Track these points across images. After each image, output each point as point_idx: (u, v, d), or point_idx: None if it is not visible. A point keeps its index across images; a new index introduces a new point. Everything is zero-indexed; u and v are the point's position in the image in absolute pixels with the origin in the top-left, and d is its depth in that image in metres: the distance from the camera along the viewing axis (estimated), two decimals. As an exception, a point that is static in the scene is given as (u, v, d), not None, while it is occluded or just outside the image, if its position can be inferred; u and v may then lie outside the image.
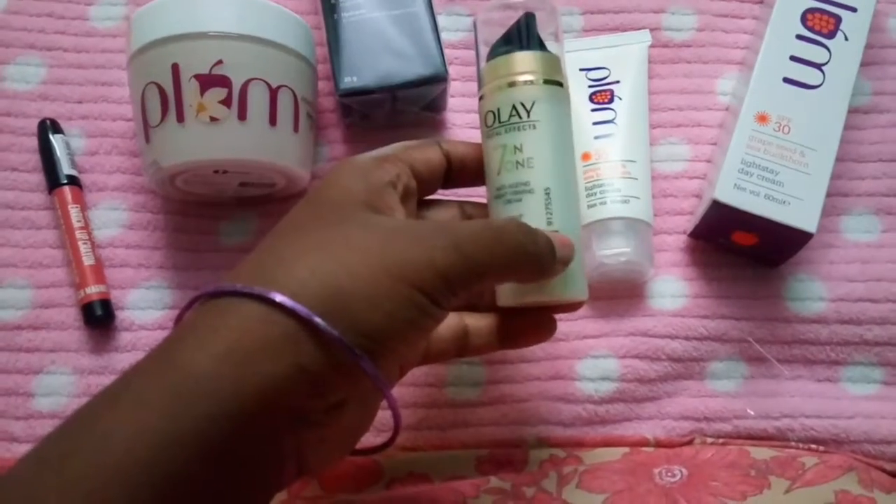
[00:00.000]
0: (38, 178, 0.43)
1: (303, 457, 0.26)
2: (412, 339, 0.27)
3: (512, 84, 0.33)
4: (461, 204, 0.36)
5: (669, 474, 0.34)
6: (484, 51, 0.35)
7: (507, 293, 0.33)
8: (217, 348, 0.24)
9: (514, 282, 0.32)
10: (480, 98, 0.34)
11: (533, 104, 0.32)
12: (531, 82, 0.32)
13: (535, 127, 0.32)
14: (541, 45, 0.34)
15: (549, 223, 0.32)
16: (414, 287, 0.26)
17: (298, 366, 0.24)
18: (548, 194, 0.32)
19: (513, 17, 0.34)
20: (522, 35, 0.33)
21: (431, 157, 0.33)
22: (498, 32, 0.34)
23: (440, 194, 0.35)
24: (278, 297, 0.24)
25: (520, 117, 0.32)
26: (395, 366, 0.30)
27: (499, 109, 0.33)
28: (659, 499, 0.32)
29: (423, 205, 0.35)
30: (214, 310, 0.25)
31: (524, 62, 0.33)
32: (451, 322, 0.34)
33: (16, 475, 0.23)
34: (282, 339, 0.24)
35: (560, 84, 0.33)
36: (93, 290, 0.40)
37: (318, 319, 0.24)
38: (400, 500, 0.32)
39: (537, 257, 0.29)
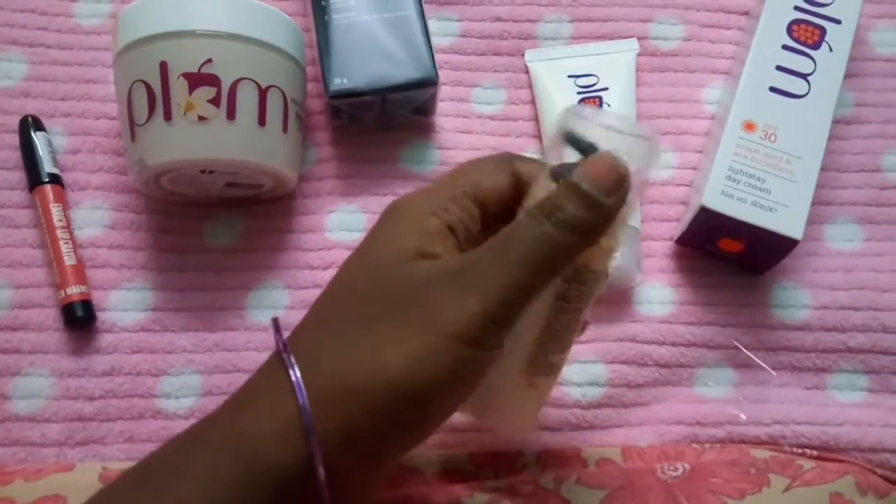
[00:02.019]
0: (18, 175, 0.42)
1: None
2: (459, 391, 0.26)
3: None
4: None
5: (672, 468, 0.34)
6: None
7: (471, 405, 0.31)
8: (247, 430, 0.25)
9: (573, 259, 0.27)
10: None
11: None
12: None
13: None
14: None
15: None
16: (454, 340, 0.25)
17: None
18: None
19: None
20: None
21: (501, 184, 0.29)
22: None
23: None
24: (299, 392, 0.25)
25: None
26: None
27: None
28: (660, 495, 0.32)
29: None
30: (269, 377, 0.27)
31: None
32: None
33: None
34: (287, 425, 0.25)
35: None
36: (74, 291, 0.40)
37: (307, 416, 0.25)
38: (395, 501, 0.32)
39: (571, 224, 0.26)
